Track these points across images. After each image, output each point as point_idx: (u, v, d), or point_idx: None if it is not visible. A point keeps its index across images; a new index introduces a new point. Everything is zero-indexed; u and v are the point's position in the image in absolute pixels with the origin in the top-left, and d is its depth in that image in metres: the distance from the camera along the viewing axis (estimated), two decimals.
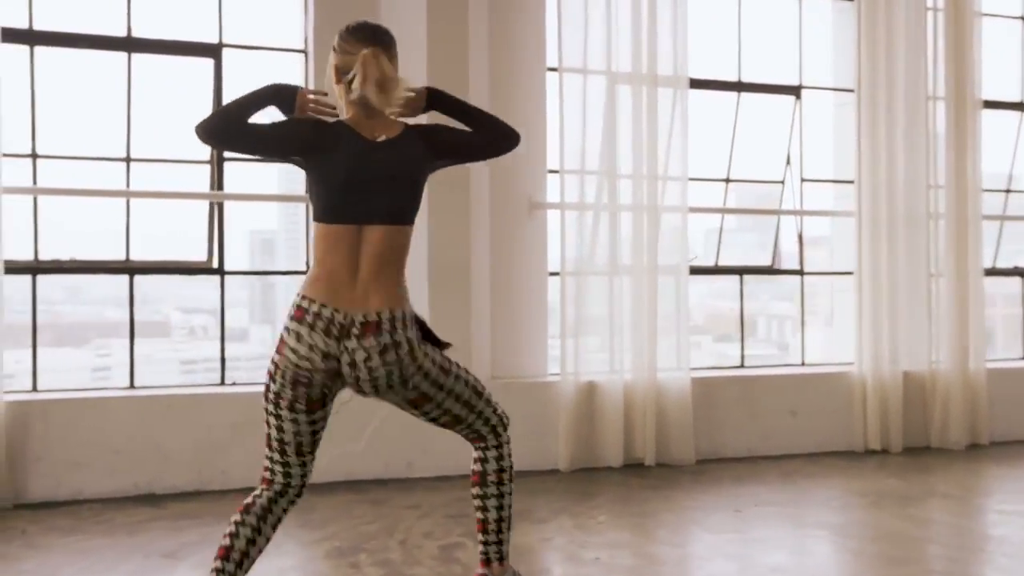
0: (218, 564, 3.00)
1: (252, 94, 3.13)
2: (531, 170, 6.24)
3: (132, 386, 5.63)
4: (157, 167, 5.82)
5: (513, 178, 6.19)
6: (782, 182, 7.07)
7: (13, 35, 5.36)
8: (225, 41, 5.82)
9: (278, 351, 3.05)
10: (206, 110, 5.76)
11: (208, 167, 5.79)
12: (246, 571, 3.04)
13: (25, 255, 5.48)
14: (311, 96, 3.19)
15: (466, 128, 3.32)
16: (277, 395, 3.04)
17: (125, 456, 5.32)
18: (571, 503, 5.19)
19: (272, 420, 3.07)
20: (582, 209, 6.06)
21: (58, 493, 5.21)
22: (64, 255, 5.62)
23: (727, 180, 6.87)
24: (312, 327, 3.01)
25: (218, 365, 5.88)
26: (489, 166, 6.07)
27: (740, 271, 7.00)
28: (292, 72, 6.02)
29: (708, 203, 6.85)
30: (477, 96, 5.63)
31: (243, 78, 5.79)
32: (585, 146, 6.07)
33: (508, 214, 6.19)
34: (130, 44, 5.63)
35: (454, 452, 5.47)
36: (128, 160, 5.66)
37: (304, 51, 5.94)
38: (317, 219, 3.11)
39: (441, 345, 3.28)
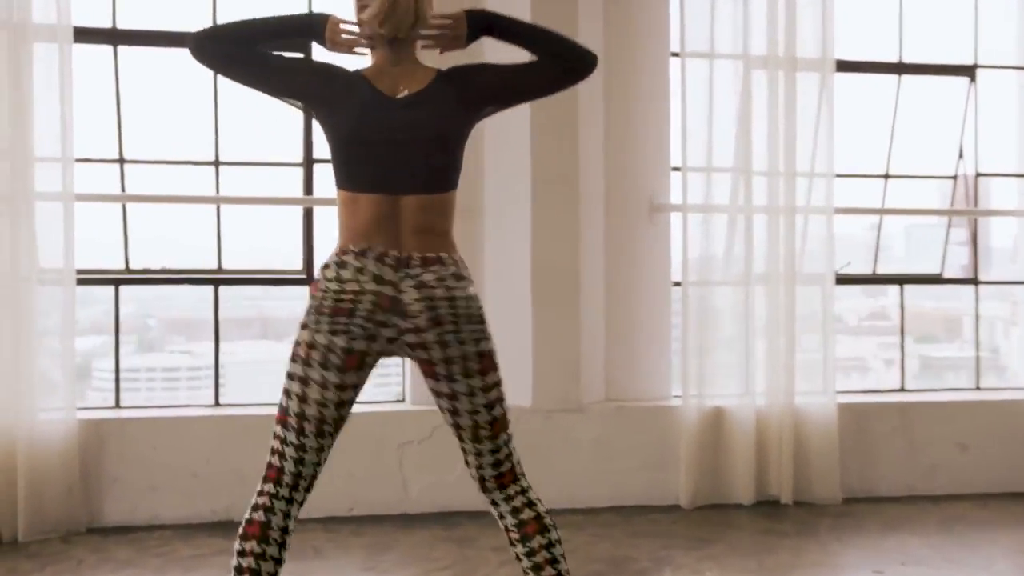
0: None
1: (281, 19, 2.69)
2: (652, 167, 5.57)
3: (217, 403, 5.32)
4: (247, 171, 5.50)
5: (631, 176, 5.53)
6: (953, 177, 6.11)
7: (92, 35, 5.12)
8: None
9: (311, 294, 2.58)
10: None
11: (300, 170, 5.42)
12: None
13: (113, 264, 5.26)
14: (343, 27, 2.68)
15: (523, 60, 2.75)
16: (310, 345, 2.54)
17: (203, 480, 4.99)
18: (681, 550, 4.50)
19: (296, 385, 2.58)
20: (708, 211, 5.34)
21: (134, 518, 4.92)
22: (153, 264, 5.37)
23: (886, 176, 5.98)
24: (362, 255, 2.54)
25: None
26: (604, 162, 5.46)
27: (900, 280, 6.09)
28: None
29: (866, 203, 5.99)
30: (589, 84, 4.98)
31: None
32: (712, 140, 5.34)
33: (625, 216, 5.52)
34: None
35: (557, 482, 4.93)
36: (217, 164, 5.35)
37: None
38: (336, 185, 2.65)
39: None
